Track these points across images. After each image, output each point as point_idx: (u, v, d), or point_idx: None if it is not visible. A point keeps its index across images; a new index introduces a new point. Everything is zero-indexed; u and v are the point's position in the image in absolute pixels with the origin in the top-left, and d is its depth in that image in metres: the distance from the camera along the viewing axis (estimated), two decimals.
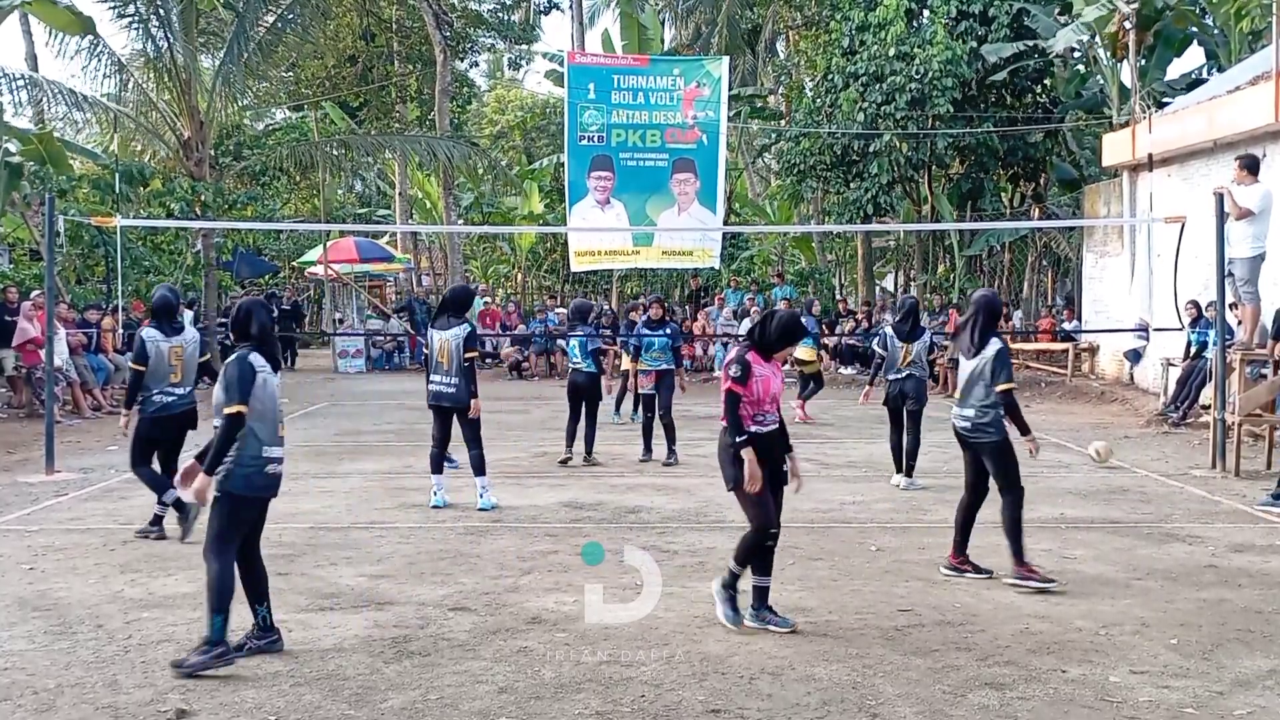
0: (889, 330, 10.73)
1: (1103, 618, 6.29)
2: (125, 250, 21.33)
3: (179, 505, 7.92)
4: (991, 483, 7.13)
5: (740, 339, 6.34)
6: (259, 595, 5.70)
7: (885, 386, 10.58)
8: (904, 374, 10.43)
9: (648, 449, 11.85)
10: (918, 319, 10.76)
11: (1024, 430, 7.01)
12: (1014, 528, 6.94)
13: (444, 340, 9.29)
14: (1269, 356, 11.36)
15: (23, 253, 24.33)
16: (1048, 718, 4.87)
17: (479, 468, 9.32)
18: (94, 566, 7.42)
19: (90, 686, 5.21)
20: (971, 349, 7.01)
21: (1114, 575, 7.24)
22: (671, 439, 11.72)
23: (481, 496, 9.31)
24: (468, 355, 9.26)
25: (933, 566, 7.39)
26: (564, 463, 11.41)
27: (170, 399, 8.21)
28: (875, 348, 10.98)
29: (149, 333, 8.27)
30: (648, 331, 11.99)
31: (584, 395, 11.48)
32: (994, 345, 6.96)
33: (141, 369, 8.19)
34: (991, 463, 7.01)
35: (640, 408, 12.54)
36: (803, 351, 14.95)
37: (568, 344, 11.71)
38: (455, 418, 9.36)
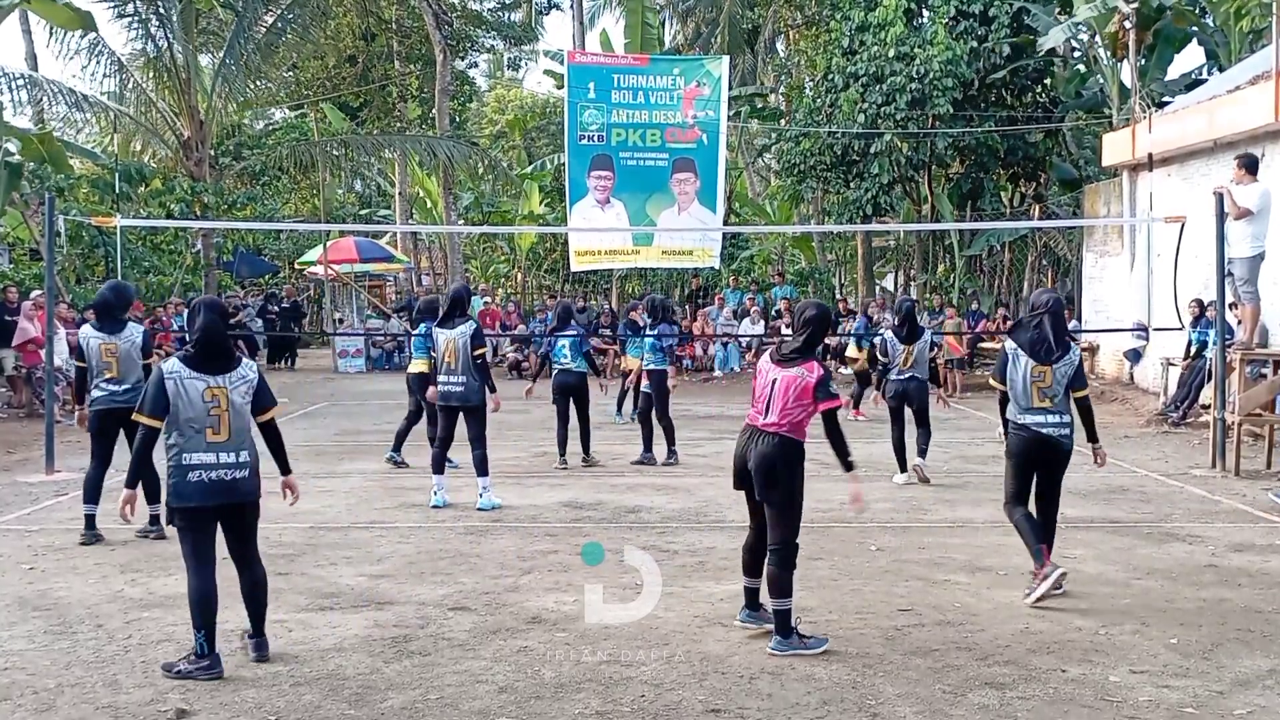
0: (889, 335, 10.77)
1: (1103, 617, 6.29)
2: (125, 250, 21.34)
3: (90, 516, 8.22)
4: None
5: (808, 355, 5.85)
6: (250, 606, 5.56)
7: (886, 386, 10.67)
8: (906, 375, 10.51)
9: (647, 446, 11.80)
10: (915, 321, 10.78)
11: (1094, 437, 6.91)
12: (1050, 539, 6.83)
13: (450, 339, 9.30)
14: None
15: (23, 252, 24.31)
16: (1047, 717, 4.87)
17: (482, 468, 9.32)
18: (94, 566, 7.42)
19: (90, 686, 5.21)
20: (1056, 352, 6.67)
21: (1114, 575, 7.24)
22: (671, 439, 11.71)
23: (482, 496, 9.30)
24: (476, 353, 9.26)
25: (933, 566, 7.40)
26: (560, 467, 11.39)
27: (103, 394, 8.38)
28: (878, 353, 11.02)
29: (83, 330, 8.66)
30: (650, 332, 12.08)
31: (572, 395, 11.45)
32: (1076, 350, 6.82)
33: (83, 364, 8.53)
34: (1061, 470, 6.81)
35: (637, 403, 12.51)
36: (855, 350, 16.47)
37: (554, 346, 11.63)
38: (463, 416, 9.37)
